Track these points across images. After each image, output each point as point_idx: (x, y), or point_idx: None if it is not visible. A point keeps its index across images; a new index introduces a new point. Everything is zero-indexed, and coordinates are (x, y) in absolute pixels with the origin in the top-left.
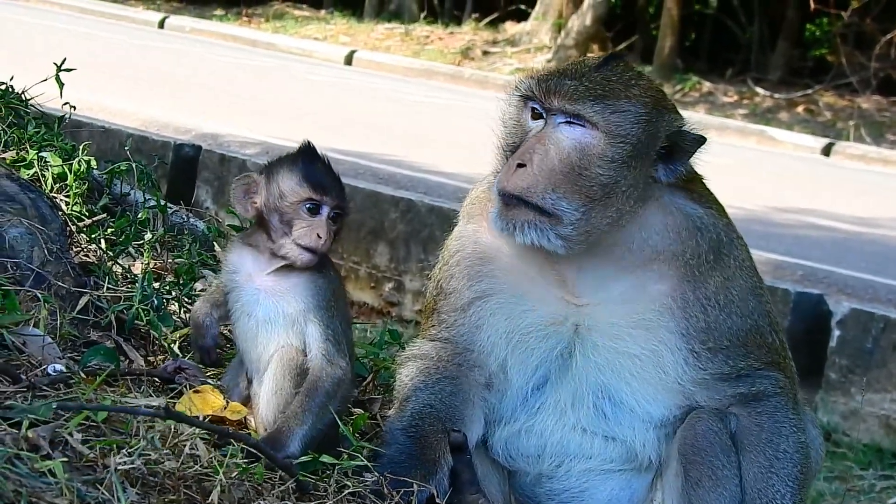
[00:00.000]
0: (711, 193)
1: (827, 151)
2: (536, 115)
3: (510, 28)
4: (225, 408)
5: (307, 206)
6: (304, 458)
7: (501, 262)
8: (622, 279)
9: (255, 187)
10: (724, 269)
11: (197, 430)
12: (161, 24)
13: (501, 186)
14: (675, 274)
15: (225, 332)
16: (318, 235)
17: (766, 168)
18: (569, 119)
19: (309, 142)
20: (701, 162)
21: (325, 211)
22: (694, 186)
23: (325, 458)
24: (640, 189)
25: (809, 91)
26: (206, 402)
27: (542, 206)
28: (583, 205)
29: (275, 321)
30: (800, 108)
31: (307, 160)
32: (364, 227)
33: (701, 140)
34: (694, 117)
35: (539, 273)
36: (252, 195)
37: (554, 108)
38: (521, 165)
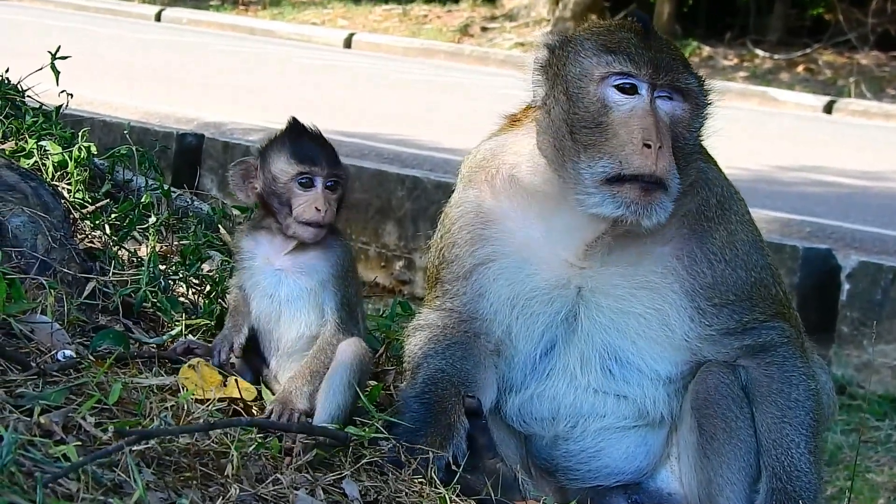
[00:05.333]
0: (705, 148)
1: (829, 109)
2: (626, 90)
3: (507, 3)
4: (225, 383)
5: (299, 181)
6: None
7: (505, 225)
8: (628, 244)
9: (253, 172)
10: (728, 223)
11: (210, 408)
12: (158, 17)
13: (650, 171)
14: (683, 232)
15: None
16: (316, 209)
17: (769, 128)
18: (667, 93)
19: (294, 118)
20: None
21: (319, 182)
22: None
23: (351, 430)
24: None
25: (808, 50)
26: (205, 376)
27: (670, 185)
28: (679, 177)
29: (298, 298)
30: (800, 68)
31: (293, 136)
32: (371, 206)
33: None
34: None
35: (544, 236)
36: (251, 180)
37: (661, 84)
38: (648, 146)
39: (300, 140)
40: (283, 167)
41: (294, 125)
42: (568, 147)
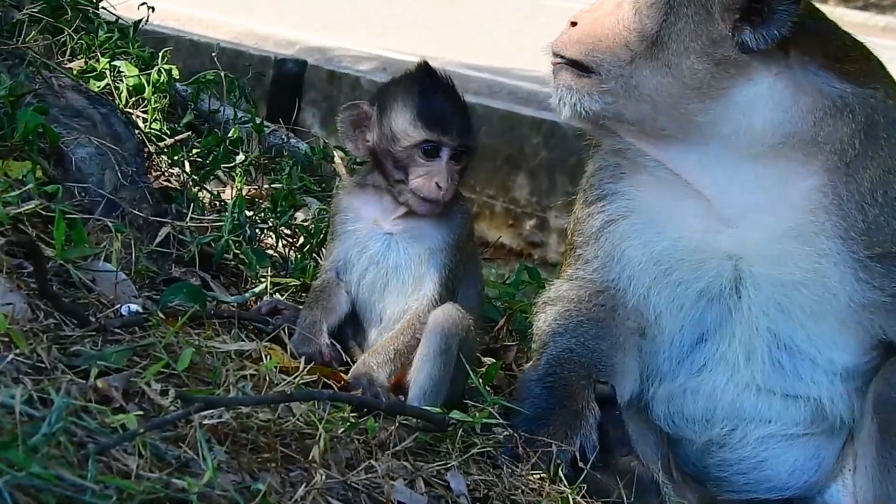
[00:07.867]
0: (884, 75)
1: None
2: None
3: None
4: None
5: (423, 148)
6: (435, 410)
7: (639, 177)
8: (755, 170)
9: (366, 121)
10: (881, 158)
11: (297, 380)
12: None
13: (553, 49)
14: (819, 166)
15: None
16: (437, 185)
17: None
18: None
19: (426, 63)
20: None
21: (445, 153)
22: (851, 67)
23: (456, 414)
24: (715, 52)
25: None
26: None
27: (583, 62)
28: (628, 59)
29: (408, 267)
30: None
31: (423, 90)
32: (500, 154)
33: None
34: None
35: (682, 188)
36: (363, 129)
37: None
38: (573, 24)
39: (431, 97)
40: (407, 129)
41: (426, 74)
42: None
